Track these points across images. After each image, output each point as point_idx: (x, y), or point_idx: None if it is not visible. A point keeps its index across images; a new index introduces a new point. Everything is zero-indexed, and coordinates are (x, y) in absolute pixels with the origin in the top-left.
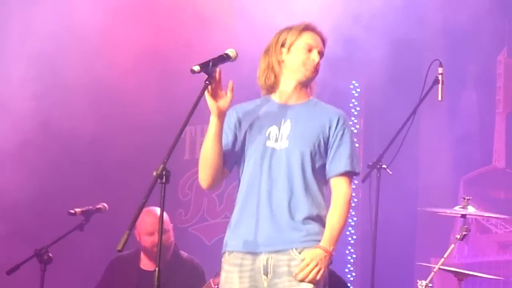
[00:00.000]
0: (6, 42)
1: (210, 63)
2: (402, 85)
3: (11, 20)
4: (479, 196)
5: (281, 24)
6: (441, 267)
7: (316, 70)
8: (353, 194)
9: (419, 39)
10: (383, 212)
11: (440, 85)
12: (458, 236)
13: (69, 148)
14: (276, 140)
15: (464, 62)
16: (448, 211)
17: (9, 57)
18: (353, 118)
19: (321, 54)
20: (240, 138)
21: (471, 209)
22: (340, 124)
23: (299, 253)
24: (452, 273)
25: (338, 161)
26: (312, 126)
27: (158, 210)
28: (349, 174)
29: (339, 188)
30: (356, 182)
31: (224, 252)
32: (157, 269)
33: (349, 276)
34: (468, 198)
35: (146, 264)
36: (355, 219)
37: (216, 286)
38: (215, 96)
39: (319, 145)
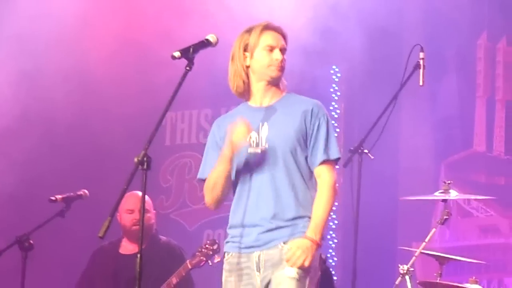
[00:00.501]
0: None
1: (191, 49)
2: (383, 70)
3: None
4: (460, 180)
5: (260, 12)
6: (423, 251)
7: (281, 68)
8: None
9: (399, 24)
10: (364, 197)
11: (421, 70)
12: (439, 220)
13: (48, 135)
14: (257, 145)
15: (444, 47)
16: (428, 197)
17: None
18: (333, 103)
19: (283, 50)
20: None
21: (452, 193)
22: (314, 114)
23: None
24: (433, 257)
25: (316, 152)
26: (288, 123)
27: (140, 192)
28: (329, 162)
29: (321, 177)
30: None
31: (224, 253)
32: (138, 255)
33: (330, 261)
34: (449, 182)
35: (125, 248)
36: (336, 203)
37: (192, 267)
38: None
39: (298, 140)
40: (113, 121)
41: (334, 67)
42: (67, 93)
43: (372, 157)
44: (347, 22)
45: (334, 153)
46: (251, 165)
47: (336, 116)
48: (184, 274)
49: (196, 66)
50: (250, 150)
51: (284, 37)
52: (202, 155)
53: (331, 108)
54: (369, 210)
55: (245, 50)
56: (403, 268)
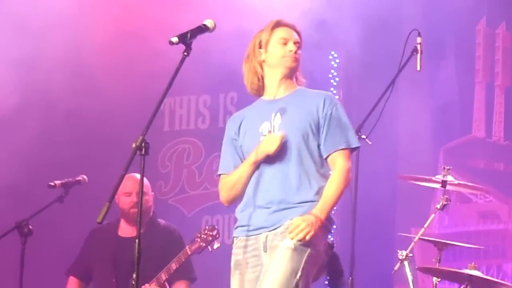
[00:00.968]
0: None
1: (189, 34)
2: (381, 55)
3: None
4: (459, 165)
5: (255, 2)
6: (421, 237)
7: (296, 59)
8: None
9: (398, 9)
10: (363, 183)
11: (419, 55)
12: (438, 206)
13: (46, 121)
14: (269, 133)
15: (443, 32)
16: (427, 177)
17: None
18: (332, 89)
19: (297, 44)
20: (241, 144)
21: (451, 178)
22: (327, 104)
23: None
24: (432, 243)
25: (331, 140)
26: (300, 113)
27: (138, 175)
28: (346, 150)
29: (336, 163)
30: None
31: (234, 238)
32: (137, 240)
33: None
34: (448, 168)
35: (124, 231)
36: None
37: (192, 253)
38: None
39: (310, 128)
40: (112, 107)
41: (332, 53)
42: (65, 80)
43: (370, 143)
44: (346, 8)
45: (354, 142)
46: None
47: None
48: (183, 260)
49: (194, 51)
50: (262, 138)
51: (298, 33)
52: (200, 141)
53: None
54: (367, 196)
55: (259, 47)
56: (402, 254)
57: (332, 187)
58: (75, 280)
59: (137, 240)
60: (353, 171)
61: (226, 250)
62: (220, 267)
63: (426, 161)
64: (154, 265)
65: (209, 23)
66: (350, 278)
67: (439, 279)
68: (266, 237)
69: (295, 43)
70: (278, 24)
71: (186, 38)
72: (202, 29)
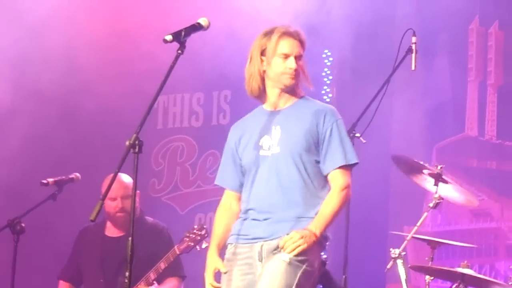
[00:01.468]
0: None
1: (183, 33)
2: (375, 54)
3: None
4: (452, 164)
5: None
6: (414, 235)
7: (295, 76)
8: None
9: (392, 8)
10: (356, 181)
11: (413, 54)
12: (431, 205)
13: (39, 119)
14: (269, 148)
15: (436, 31)
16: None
17: None
18: (325, 87)
19: (298, 58)
20: (241, 155)
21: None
22: (327, 120)
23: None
24: (425, 241)
25: (331, 158)
26: (300, 127)
27: (122, 175)
28: (345, 167)
29: (335, 180)
30: None
31: (228, 244)
32: (130, 238)
33: None
34: (441, 166)
35: (111, 231)
36: None
37: (180, 252)
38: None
39: (308, 144)
40: (105, 105)
41: (326, 51)
42: (57, 78)
43: (364, 141)
44: (340, 7)
45: (352, 158)
46: (262, 168)
47: (328, 100)
48: (172, 260)
49: (188, 49)
50: (262, 152)
51: (301, 42)
52: (194, 139)
53: (323, 92)
54: (360, 194)
55: (262, 54)
56: (394, 252)
57: (330, 205)
58: (66, 284)
59: (130, 239)
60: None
61: None
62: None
63: (419, 159)
64: (142, 265)
65: (203, 21)
66: (344, 276)
67: (432, 278)
68: (262, 246)
69: (296, 57)
70: (283, 35)
71: (180, 36)
72: (196, 27)
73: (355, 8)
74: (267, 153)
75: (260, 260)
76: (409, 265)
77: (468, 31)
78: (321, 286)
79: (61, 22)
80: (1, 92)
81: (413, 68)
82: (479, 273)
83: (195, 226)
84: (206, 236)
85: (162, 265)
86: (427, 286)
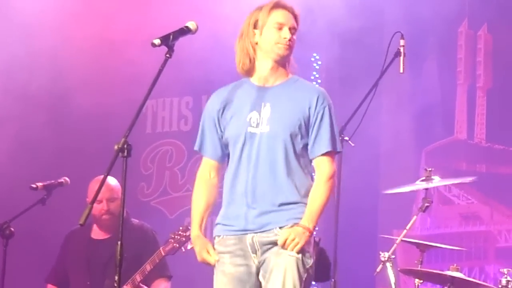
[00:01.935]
0: None
1: (171, 36)
2: (364, 57)
3: None
4: (441, 167)
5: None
6: (404, 239)
7: (289, 47)
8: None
9: (380, 11)
10: (345, 184)
11: (402, 58)
12: (420, 208)
13: (27, 123)
14: (257, 125)
15: (425, 34)
16: (411, 187)
17: None
18: None
19: (292, 30)
20: (223, 127)
21: (434, 179)
22: (319, 103)
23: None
24: (414, 244)
25: (319, 142)
26: (291, 108)
27: (108, 178)
28: (331, 153)
29: (321, 167)
30: None
31: (215, 236)
32: (119, 242)
33: None
34: (430, 169)
35: (96, 233)
36: None
37: (166, 254)
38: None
39: (299, 127)
40: (93, 109)
41: (314, 54)
42: (44, 82)
43: (353, 145)
44: (328, 10)
45: (338, 145)
46: (249, 146)
47: None
48: (158, 261)
49: (177, 53)
50: (250, 129)
51: (295, 17)
52: (183, 143)
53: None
54: (349, 197)
55: (254, 27)
56: (384, 255)
57: (319, 195)
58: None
59: (119, 243)
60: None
61: None
62: (194, 265)
63: (408, 163)
64: (128, 266)
65: (191, 25)
66: (333, 280)
67: (421, 281)
68: (252, 238)
69: (290, 28)
70: (276, 5)
71: (168, 40)
72: (184, 31)
73: (343, 12)
74: (256, 130)
75: (254, 252)
76: (398, 269)
77: (457, 34)
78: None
79: (49, 28)
80: None
81: (401, 71)
82: (469, 276)
83: (180, 227)
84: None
85: (148, 266)
86: None
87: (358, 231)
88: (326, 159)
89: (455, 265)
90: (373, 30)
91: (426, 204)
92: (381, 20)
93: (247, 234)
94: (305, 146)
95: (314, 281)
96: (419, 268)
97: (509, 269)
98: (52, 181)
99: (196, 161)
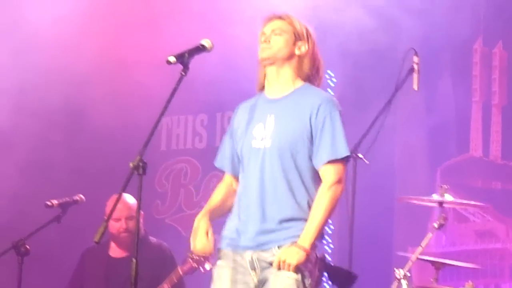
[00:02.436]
0: None
1: (186, 54)
2: (378, 74)
3: None
4: (456, 185)
5: (239, 19)
6: (419, 256)
7: (263, 49)
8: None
9: (395, 28)
10: (360, 202)
11: (415, 74)
12: (436, 225)
13: (43, 141)
14: (262, 139)
15: (440, 51)
16: (425, 198)
17: None
18: None
19: (276, 31)
20: (236, 142)
21: (448, 198)
22: (321, 110)
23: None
24: (429, 262)
25: (322, 152)
26: (294, 120)
27: (126, 196)
28: (336, 161)
29: (324, 178)
30: None
31: (219, 248)
32: (134, 260)
33: None
34: (445, 186)
35: (115, 251)
36: None
37: (184, 274)
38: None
39: (302, 139)
40: (107, 127)
41: (329, 71)
42: (60, 99)
43: (367, 162)
44: (343, 27)
45: (341, 151)
46: (253, 161)
47: None
48: (175, 281)
49: (191, 71)
50: (255, 144)
51: (281, 18)
52: (197, 160)
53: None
54: (364, 215)
55: None
56: (399, 272)
57: (318, 209)
58: None
59: (134, 260)
60: (349, 190)
61: None
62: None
63: (423, 180)
64: (145, 285)
65: (206, 42)
66: None
67: None
68: (252, 256)
69: (264, 33)
70: (264, 20)
71: (183, 58)
72: (200, 48)
73: (358, 29)
74: (260, 145)
75: (253, 269)
76: (413, 286)
77: (472, 51)
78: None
79: (64, 47)
80: (5, 113)
81: (415, 88)
82: None
83: None
84: (210, 257)
85: (165, 286)
86: None
87: (373, 248)
88: (329, 168)
89: (470, 282)
90: (387, 47)
91: (441, 222)
92: (396, 37)
93: (246, 251)
94: (310, 159)
95: None
96: (434, 286)
97: None
98: (67, 199)
99: (211, 179)
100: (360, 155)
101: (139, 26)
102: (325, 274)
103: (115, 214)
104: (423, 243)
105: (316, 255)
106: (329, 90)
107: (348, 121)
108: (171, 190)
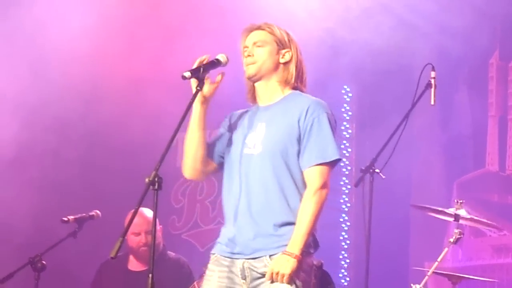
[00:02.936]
0: None
1: (201, 69)
2: (394, 89)
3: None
4: (473, 199)
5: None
6: (435, 271)
7: (248, 66)
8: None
9: (411, 43)
10: (376, 217)
11: (432, 89)
12: (452, 240)
13: (61, 156)
14: (254, 146)
15: (456, 66)
16: (440, 209)
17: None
18: (345, 123)
19: (258, 43)
20: (226, 142)
21: (463, 214)
22: (309, 114)
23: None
24: (446, 276)
25: (309, 153)
26: (283, 125)
27: (145, 211)
28: (323, 164)
29: (308, 181)
30: (348, 186)
31: (212, 253)
32: (150, 275)
33: (343, 281)
34: (461, 201)
35: (133, 265)
36: (348, 223)
37: None
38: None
39: (291, 143)
40: (125, 142)
41: (345, 87)
42: (76, 116)
43: (384, 177)
44: (359, 42)
45: (331, 154)
46: (244, 167)
47: (347, 136)
48: None
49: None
50: (245, 151)
51: (261, 28)
52: (213, 175)
53: (342, 128)
54: (381, 229)
55: None
56: (416, 287)
57: (304, 214)
58: None
59: (150, 275)
60: (366, 205)
61: None
62: None
63: (439, 194)
64: None
65: (221, 57)
66: None
67: None
68: (243, 264)
69: (245, 46)
70: (241, 33)
71: (198, 73)
72: (215, 63)
73: (374, 43)
74: (252, 151)
75: (244, 278)
76: None
77: (488, 65)
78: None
79: (78, 63)
80: (21, 128)
81: (432, 103)
82: None
83: None
84: None
85: None
86: None
87: (390, 263)
88: (314, 171)
89: None
90: (404, 62)
91: (458, 236)
92: (412, 52)
93: (238, 258)
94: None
95: None
96: None
97: None
98: (84, 214)
99: None
100: (377, 170)
101: (153, 44)
102: None
103: (135, 228)
104: (440, 258)
105: (313, 263)
106: (345, 105)
107: (365, 136)
108: (187, 205)
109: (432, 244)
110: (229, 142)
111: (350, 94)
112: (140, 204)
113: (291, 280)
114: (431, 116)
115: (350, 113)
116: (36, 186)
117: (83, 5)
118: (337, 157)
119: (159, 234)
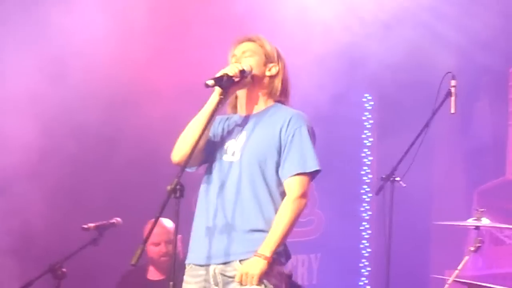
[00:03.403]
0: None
1: (225, 77)
2: (415, 97)
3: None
4: (493, 208)
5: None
6: (455, 279)
7: (235, 65)
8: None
9: (432, 51)
10: (397, 225)
11: (453, 98)
12: (472, 248)
13: (80, 163)
14: (233, 154)
15: (476, 74)
16: (461, 223)
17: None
18: (366, 131)
19: (247, 52)
20: (210, 146)
21: (484, 221)
22: (290, 125)
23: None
24: (466, 285)
25: (289, 164)
26: (264, 134)
27: (164, 221)
28: (303, 174)
29: (288, 190)
30: (369, 195)
31: (186, 263)
32: (171, 283)
33: None
34: (482, 210)
35: (153, 274)
36: (369, 232)
37: None
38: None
39: (271, 153)
40: (146, 150)
41: (366, 95)
42: (95, 122)
43: (404, 185)
44: (381, 51)
45: (310, 165)
46: (222, 174)
47: (369, 144)
48: None
49: None
50: (225, 158)
51: (250, 39)
52: None
53: (363, 136)
54: (401, 238)
55: None
56: None
57: (280, 220)
58: None
59: (171, 283)
60: (386, 213)
61: None
62: None
63: (460, 203)
64: None
65: (245, 65)
66: None
67: None
68: (214, 270)
69: (234, 55)
70: (234, 43)
71: (221, 81)
72: (243, 72)
73: (394, 52)
74: (231, 159)
75: (216, 284)
76: None
77: (508, 74)
78: None
79: (97, 72)
80: (40, 135)
81: (452, 111)
82: None
83: None
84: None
85: None
86: None
87: (410, 271)
88: (294, 180)
89: None
90: (424, 70)
91: (478, 245)
92: (432, 60)
93: (210, 265)
94: (277, 172)
95: None
96: None
97: None
98: (104, 222)
99: None
100: (398, 178)
101: (172, 53)
102: None
103: (155, 239)
104: (460, 266)
105: (283, 272)
106: (366, 113)
107: (386, 144)
108: None
109: (452, 252)
110: (212, 146)
111: (371, 103)
112: (162, 212)
113: (260, 282)
114: (452, 124)
115: (371, 121)
116: (55, 194)
117: (104, 12)
118: (317, 168)
119: (178, 243)
